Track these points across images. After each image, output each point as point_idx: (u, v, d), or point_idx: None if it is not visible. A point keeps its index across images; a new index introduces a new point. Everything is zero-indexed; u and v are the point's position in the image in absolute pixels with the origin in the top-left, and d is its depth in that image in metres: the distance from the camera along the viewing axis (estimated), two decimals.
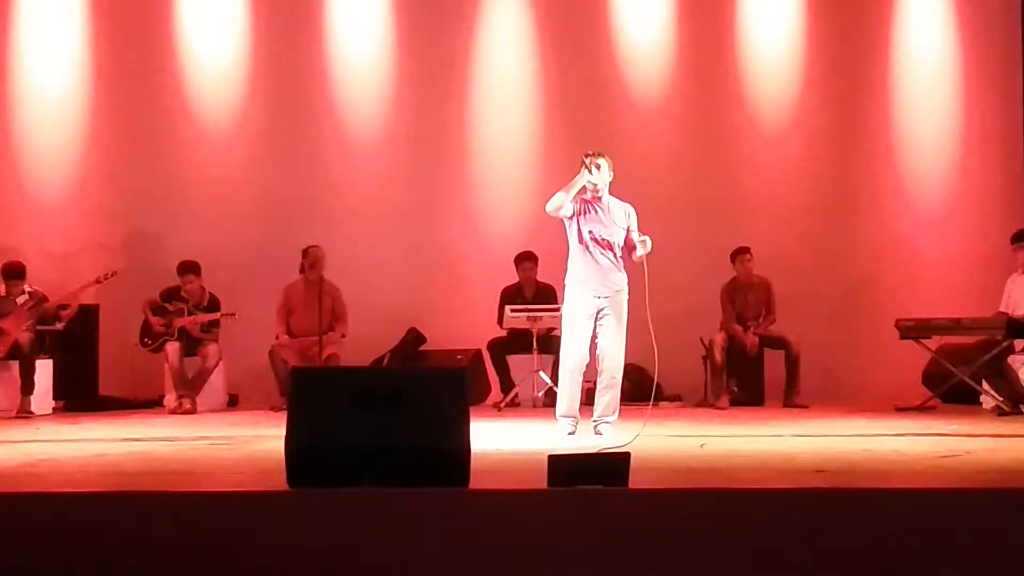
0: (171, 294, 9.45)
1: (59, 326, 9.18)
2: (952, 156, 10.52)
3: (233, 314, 9.29)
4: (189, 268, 9.38)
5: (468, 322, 10.03)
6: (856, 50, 10.53)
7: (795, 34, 10.55)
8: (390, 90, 10.52)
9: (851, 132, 10.52)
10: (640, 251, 6.73)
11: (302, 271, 9.40)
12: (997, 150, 10.48)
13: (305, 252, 9.38)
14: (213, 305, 9.42)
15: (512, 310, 9.21)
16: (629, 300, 6.79)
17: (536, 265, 9.68)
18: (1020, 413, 8.19)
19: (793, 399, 9.21)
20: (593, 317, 6.75)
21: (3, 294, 9.03)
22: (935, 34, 10.55)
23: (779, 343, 9.44)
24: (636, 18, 10.51)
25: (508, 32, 10.56)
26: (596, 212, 6.78)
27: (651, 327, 6.50)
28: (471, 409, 4.42)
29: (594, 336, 6.77)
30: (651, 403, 6.90)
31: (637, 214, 6.88)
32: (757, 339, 9.46)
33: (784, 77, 10.52)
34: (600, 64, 10.51)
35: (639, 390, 8.12)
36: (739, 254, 9.55)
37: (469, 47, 10.56)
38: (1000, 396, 8.44)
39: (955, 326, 8.71)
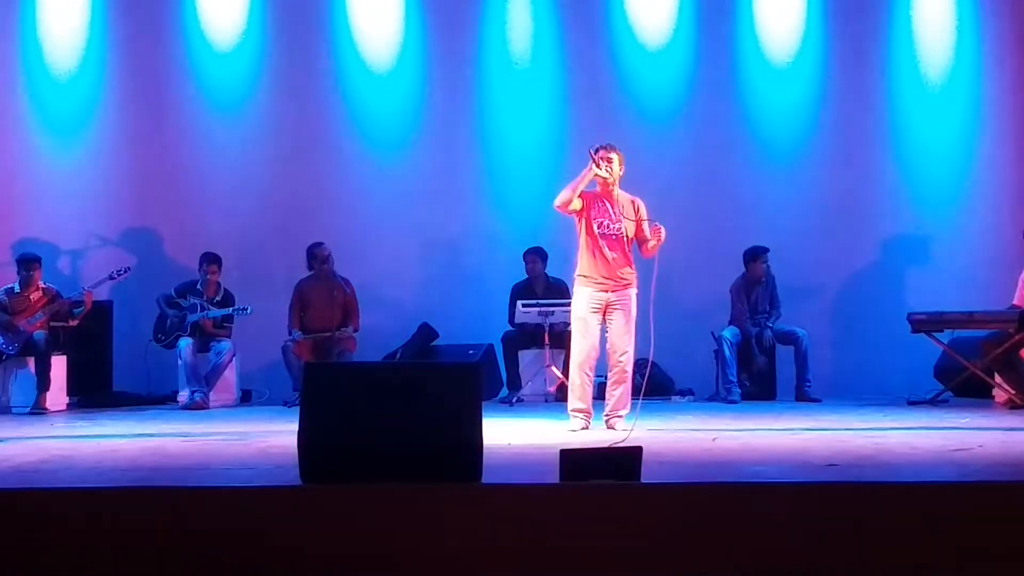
0: (185, 289, 9.49)
1: (72, 323, 9.21)
2: (965, 149, 10.47)
3: (246, 309, 9.33)
4: (213, 259, 9.45)
5: (480, 317, 10.06)
6: (867, 45, 10.50)
7: (806, 32, 10.50)
8: (401, 86, 10.53)
9: (862, 127, 10.48)
10: (653, 241, 6.74)
11: (311, 269, 9.44)
12: (1010, 143, 10.43)
13: (310, 251, 9.41)
14: (227, 300, 9.46)
15: (524, 305, 9.23)
16: (639, 293, 6.80)
17: (541, 260, 9.67)
18: None
19: (804, 393, 9.21)
20: (602, 311, 6.76)
21: (18, 292, 9.07)
22: (950, 26, 10.50)
23: (790, 337, 9.43)
24: (648, 16, 10.50)
25: (519, 27, 10.55)
26: (605, 206, 6.79)
27: (651, 319, 6.53)
28: (483, 404, 4.43)
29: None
30: (641, 396, 6.77)
31: (647, 208, 6.89)
32: (771, 333, 9.45)
33: (794, 74, 10.49)
34: (612, 61, 10.51)
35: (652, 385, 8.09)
36: (761, 254, 9.49)
37: (481, 42, 10.56)
38: (1013, 389, 8.42)
39: (968, 320, 8.69)
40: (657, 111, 10.46)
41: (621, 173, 6.82)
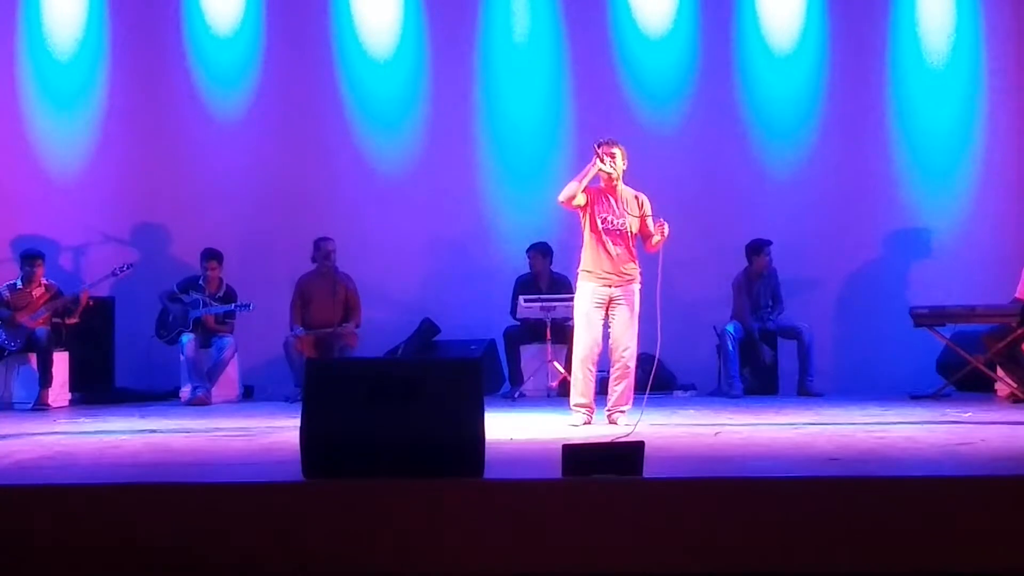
0: (188, 284, 9.49)
1: (71, 321, 9.19)
2: (967, 143, 10.45)
3: (248, 305, 9.32)
4: (213, 255, 9.44)
5: (482, 312, 10.04)
6: (871, 37, 10.47)
7: (807, 19, 10.46)
8: (403, 81, 10.50)
9: (865, 120, 10.44)
10: (657, 237, 6.74)
11: (314, 262, 9.43)
12: (1013, 136, 10.40)
13: (316, 244, 9.41)
14: (229, 296, 9.45)
15: (526, 300, 9.23)
16: (642, 288, 6.80)
17: (544, 256, 9.66)
18: None
19: (807, 387, 9.20)
20: (605, 306, 6.76)
21: (20, 288, 9.07)
22: (951, 12, 10.44)
23: (793, 332, 9.43)
24: (650, 4, 10.48)
25: (521, 21, 10.53)
26: (610, 201, 6.79)
27: (658, 314, 6.52)
28: (485, 399, 4.43)
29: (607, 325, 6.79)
30: (647, 391, 6.63)
31: (650, 203, 6.89)
32: (774, 328, 9.46)
33: (796, 61, 10.46)
34: (615, 55, 10.48)
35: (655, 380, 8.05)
36: (764, 247, 9.49)
37: (483, 37, 10.54)
38: (1015, 383, 8.41)
39: (969, 313, 8.69)
40: (659, 101, 10.40)
41: (624, 168, 6.82)
